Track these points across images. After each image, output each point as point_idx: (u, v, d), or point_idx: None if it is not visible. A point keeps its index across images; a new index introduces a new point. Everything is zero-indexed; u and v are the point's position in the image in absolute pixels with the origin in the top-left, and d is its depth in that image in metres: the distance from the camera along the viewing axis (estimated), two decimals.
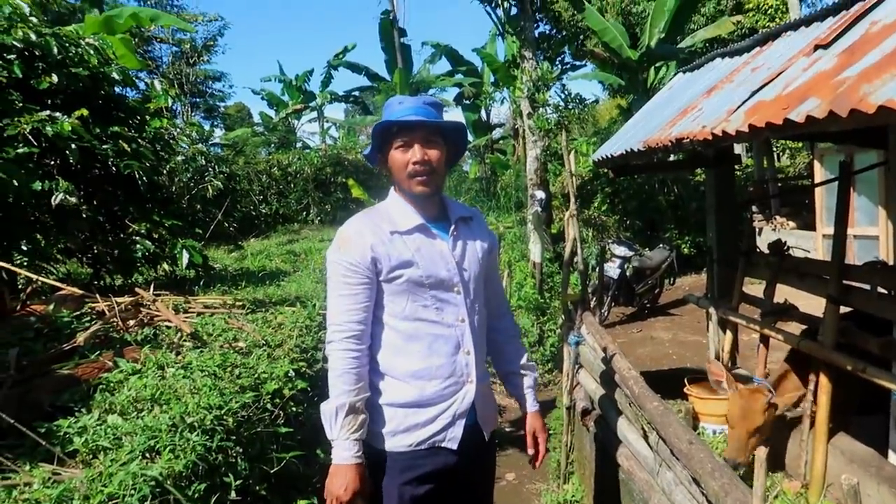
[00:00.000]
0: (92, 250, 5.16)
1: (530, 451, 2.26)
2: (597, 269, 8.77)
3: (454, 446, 1.98)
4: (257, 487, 2.56)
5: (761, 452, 1.52)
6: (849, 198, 3.26)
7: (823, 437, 3.18)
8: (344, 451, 1.85)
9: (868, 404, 3.41)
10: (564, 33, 15.27)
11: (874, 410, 3.39)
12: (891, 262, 3.43)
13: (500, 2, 11.82)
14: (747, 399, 3.07)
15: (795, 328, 3.73)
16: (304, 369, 3.37)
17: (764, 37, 3.57)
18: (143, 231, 4.93)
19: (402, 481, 1.94)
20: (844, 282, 3.23)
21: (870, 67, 1.90)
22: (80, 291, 3.87)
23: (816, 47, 2.50)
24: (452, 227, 2.03)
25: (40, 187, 4.11)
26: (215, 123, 29.73)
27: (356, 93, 24.21)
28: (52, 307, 3.55)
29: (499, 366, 2.33)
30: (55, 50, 4.45)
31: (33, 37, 4.37)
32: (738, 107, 2.62)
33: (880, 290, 3.17)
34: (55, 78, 4.43)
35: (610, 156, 4.13)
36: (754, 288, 4.63)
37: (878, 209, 7.60)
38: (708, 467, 1.92)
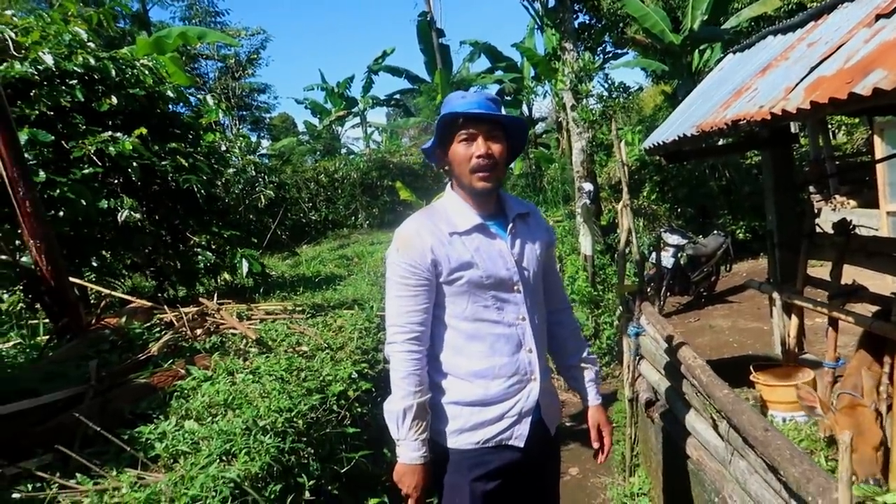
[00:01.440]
0: (156, 263, 5.35)
1: (595, 445, 2.23)
2: (650, 259, 8.62)
3: (521, 444, 1.99)
4: (329, 487, 2.62)
5: (846, 437, 1.47)
6: None
7: None
8: (412, 452, 1.89)
9: None
10: (604, 22, 15.04)
11: None
12: None
13: None
14: (854, 416, 2.94)
15: (863, 309, 3.60)
16: (366, 370, 3.43)
17: (818, 10, 3.46)
18: (203, 243, 5.09)
19: (473, 477, 1.95)
20: None
21: None
22: (150, 304, 4.02)
23: (878, 17, 2.42)
24: (511, 225, 2.02)
25: (106, 205, 4.29)
26: (262, 135, 30.39)
27: (397, 96, 24.38)
28: (124, 320, 3.70)
29: (560, 360, 2.31)
30: (113, 73, 4.63)
31: (92, 61, 4.56)
32: (797, 84, 2.54)
33: None
34: (114, 99, 4.61)
35: (661, 143, 4.06)
36: (814, 271, 4.49)
37: None
38: (787, 454, 1.88)
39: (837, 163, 11.77)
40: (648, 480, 3.96)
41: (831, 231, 3.83)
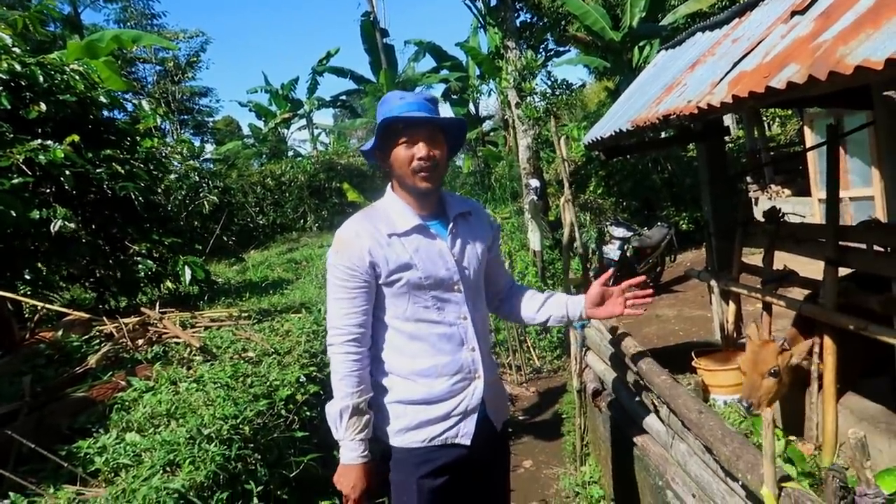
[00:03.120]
0: (94, 274, 5.19)
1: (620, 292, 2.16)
2: (597, 253, 8.79)
3: (467, 442, 2.00)
4: (278, 492, 2.60)
5: (767, 414, 1.55)
6: (838, 161, 3.29)
7: (832, 398, 3.21)
8: (351, 452, 1.91)
9: (875, 366, 3.44)
10: (546, 20, 15.25)
11: (881, 372, 3.41)
12: (885, 220, 3.45)
13: None
14: (758, 347, 3.14)
15: (798, 293, 3.76)
16: (314, 374, 3.41)
17: (742, 7, 3.59)
18: (143, 251, 4.96)
19: (420, 475, 1.96)
20: (841, 243, 3.25)
21: (845, 29, 1.93)
22: (87, 316, 3.90)
23: (793, 13, 2.52)
24: (451, 225, 2.03)
25: (38, 216, 4.14)
26: (205, 139, 29.74)
27: (343, 97, 24.22)
28: (60, 333, 3.59)
29: (531, 311, 2.26)
30: (41, 79, 4.47)
31: (18, 67, 4.39)
32: (721, 79, 2.64)
33: (877, 248, 3.20)
34: (43, 106, 4.45)
35: (600, 138, 4.15)
36: (755, 258, 4.66)
37: (871, 170, 7.62)
38: (718, 434, 1.96)
39: (772, 153, 12.21)
40: (598, 468, 4.05)
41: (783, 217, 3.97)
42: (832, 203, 3.25)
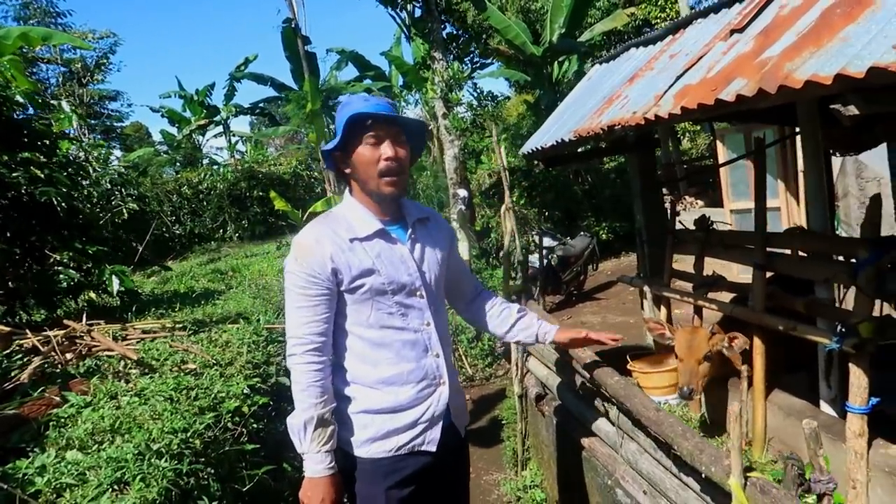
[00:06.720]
0: (6, 285, 4.84)
1: (592, 337, 2.43)
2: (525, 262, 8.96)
3: (433, 448, 1.99)
4: None
5: (735, 407, 1.63)
6: (765, 171, 3.51)
7: (761, 395, 3.40)
8: (317, 465, 1.84)
9: (792, 362, 3.67)
10: (470, 33, 15.48)
11: (798, 368, 3.65)
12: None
13: (403, 4, 11.87)
14: (690, 333, 3.33)
15: (724, 297, 3.96)
16: (259, 385, 3.31)
17: (675, 25, 3.78)
18: (65, 260, 4.66)
19: (388, 485, 1.93)
20: (767, 249, 3.46)
21: (789, 47, 2.07)
22: (7, 329, 3.64)
23: (732, 32, 2.69)
24: (410, 230, 2.02)
25: None
26: (112, 145, 28.35)
27: (262, 104, 23.71)
28: None
29: (503, 329, 2.34)
30: None
31: None
32: (665, 92, 2.77)
33: (801, 253, 3.42)
34: None
35: (541, 147, 4.25)
36: (679, 265, 4.88)
37: (777, 182, 8.14)
38: (679, 430, 2.04)
39: (685, 166, 12.86)
40: (540, 472, 4.12)
41: (691, 228, 4.19)
42: (760, 211, 3.45)
